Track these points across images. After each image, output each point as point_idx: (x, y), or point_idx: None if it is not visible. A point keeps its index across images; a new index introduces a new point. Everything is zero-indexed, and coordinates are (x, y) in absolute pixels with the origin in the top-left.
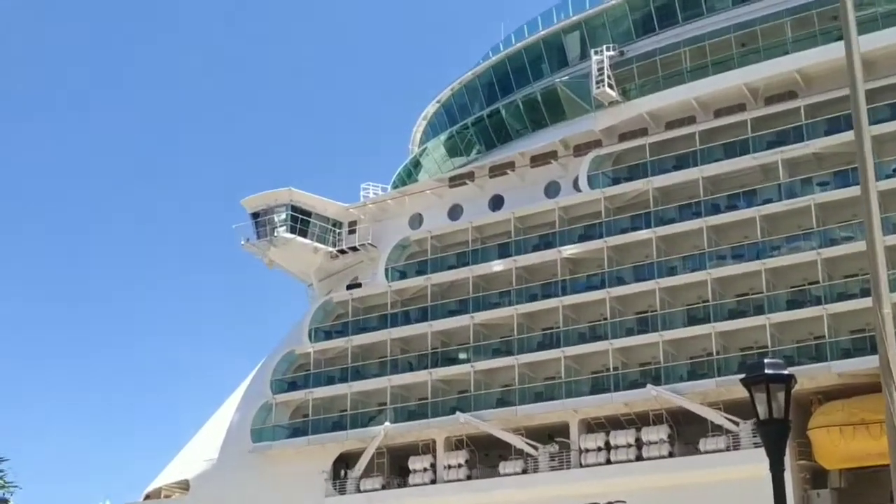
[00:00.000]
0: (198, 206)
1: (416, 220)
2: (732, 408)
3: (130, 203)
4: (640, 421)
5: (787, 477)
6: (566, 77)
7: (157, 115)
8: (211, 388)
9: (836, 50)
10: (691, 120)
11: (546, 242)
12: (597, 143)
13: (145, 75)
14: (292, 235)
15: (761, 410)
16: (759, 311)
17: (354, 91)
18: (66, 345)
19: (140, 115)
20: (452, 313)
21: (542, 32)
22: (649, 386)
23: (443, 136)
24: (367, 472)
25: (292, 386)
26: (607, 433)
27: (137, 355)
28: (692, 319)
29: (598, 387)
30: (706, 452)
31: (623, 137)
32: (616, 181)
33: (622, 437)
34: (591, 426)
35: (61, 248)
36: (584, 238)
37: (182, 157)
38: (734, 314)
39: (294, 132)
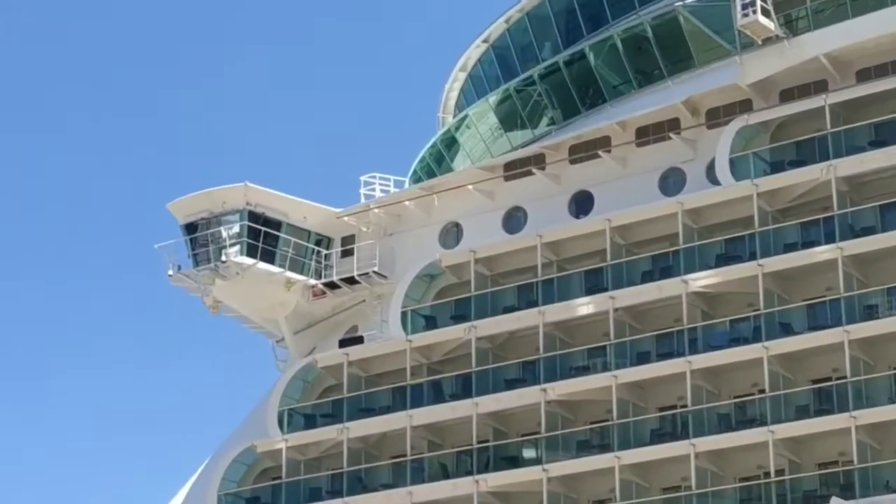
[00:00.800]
0: (104, 214)
1: (452, 234)
2: None
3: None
4: None
5: None
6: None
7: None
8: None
9: None
10: None
11: (663, 268)
12: (745, 106)
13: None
14: (250, 260)
15: None
16: None
17: (345, 28)
18: None
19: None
20: (512, 384)
21: None
22: (835, 499)
23: (493, 98)
24: None
25: (253, 503)
26: None
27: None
28: None
29: (750, 502)
30: None
31: (787, 96)
32: (776, 167)
33: None
34: None
35: None
36: (725, 260)
37: (91, 145)
38: None
39: (253, 101)
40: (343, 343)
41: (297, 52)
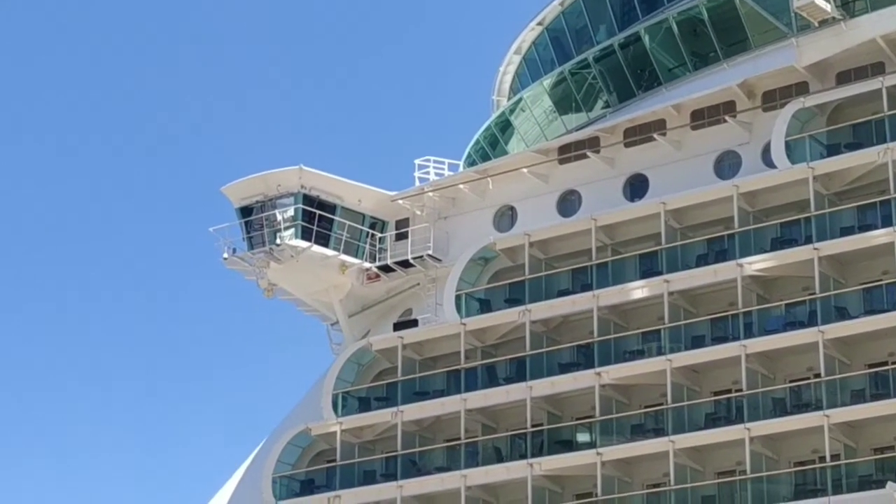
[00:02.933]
0: (159, 197)
1: (506, 217)
2: None
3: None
4: None
5: None
6: None
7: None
8: (178, 491)
9: None
10: None
11: (718, 251)
12: (801, 89)
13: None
14: (305, 243)
15: None
16: None
17: (399, 11)
18: None
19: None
20: (566, 368)
21: None
22: (890, 484)
23: (548, 81)
24: None
25: (307, 486)
26: None
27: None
28: None
29: (805, 487)
30: None
31: (843, 78)
32: (833, 150)
33: None
34: None
35: None
36: (780, 243)
37: (147, 133)
38: None
39: (307, 84)
40: (397, 326)
41: (351, 36)
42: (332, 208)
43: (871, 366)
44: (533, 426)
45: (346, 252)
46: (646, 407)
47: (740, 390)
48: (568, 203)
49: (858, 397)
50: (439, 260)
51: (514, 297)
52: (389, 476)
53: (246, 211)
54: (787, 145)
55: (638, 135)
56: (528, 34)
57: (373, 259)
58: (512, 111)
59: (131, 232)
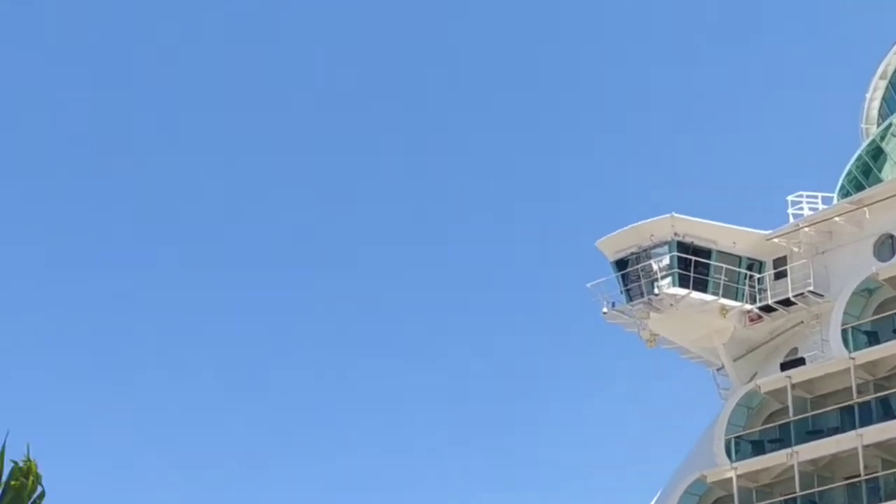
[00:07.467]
0: (543, 254)
1: (887, 245)
2: None
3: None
4: None
5: None
6: None
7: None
8: None
9: None
10: None
11: None
12: None
13: None
14: (684, 290)
15: None
16: None
17: (733, 50)
18: None
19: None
20: None
21: None
22: None
23: None
24: None
25: None
26: None
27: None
28: None
29: None
30: None
31: None
32: None
33: None
34: None
35: None
36: None
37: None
38: None
39: (670, 131)
40: (784, 366)
41: (712, 80)
42: (707, 253)
43: None
44: None
45: (725, 296)
46: None
47: None
48: None
49: None
50: (821, 295)
51: None
52: None
53: (621, 263)
54: None
55: None
56: (893, 58)
57: (753, 300)
58: (882, 137)
59: (509, 285)
